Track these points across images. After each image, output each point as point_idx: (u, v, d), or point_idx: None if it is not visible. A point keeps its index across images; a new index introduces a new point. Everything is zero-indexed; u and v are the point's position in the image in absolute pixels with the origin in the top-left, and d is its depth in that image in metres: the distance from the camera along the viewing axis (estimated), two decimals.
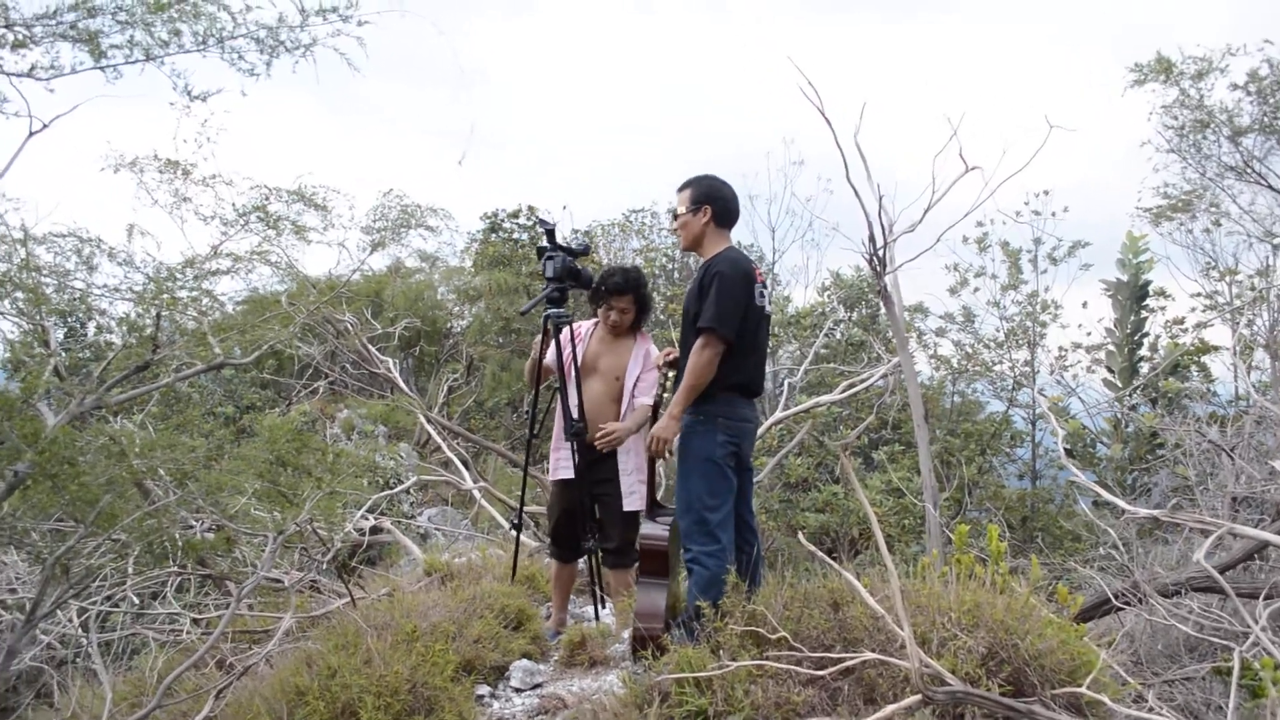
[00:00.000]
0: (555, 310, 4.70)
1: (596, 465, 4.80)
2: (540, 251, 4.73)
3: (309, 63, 4.34)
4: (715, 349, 3.85)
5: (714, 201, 4.09)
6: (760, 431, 7.62)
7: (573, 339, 4.79)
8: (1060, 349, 13.10)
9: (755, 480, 7.78)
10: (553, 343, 4.79)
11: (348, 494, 7.00)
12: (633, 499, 4.80)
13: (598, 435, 4.72)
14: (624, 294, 4.85)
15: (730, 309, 3.84)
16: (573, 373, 4.72)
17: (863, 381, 9.05)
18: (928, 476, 6.30)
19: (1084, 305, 14.95)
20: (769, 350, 4.14)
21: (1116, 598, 5.16)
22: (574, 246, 4.75)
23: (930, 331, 14.33)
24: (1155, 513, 3.70)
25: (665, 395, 4.25)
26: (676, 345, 4.34)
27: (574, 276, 4.76)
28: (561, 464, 4.88)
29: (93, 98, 3.97)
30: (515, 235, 16.98)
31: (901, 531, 9.97)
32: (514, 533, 5.23)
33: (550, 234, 4.75)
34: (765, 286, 4.09)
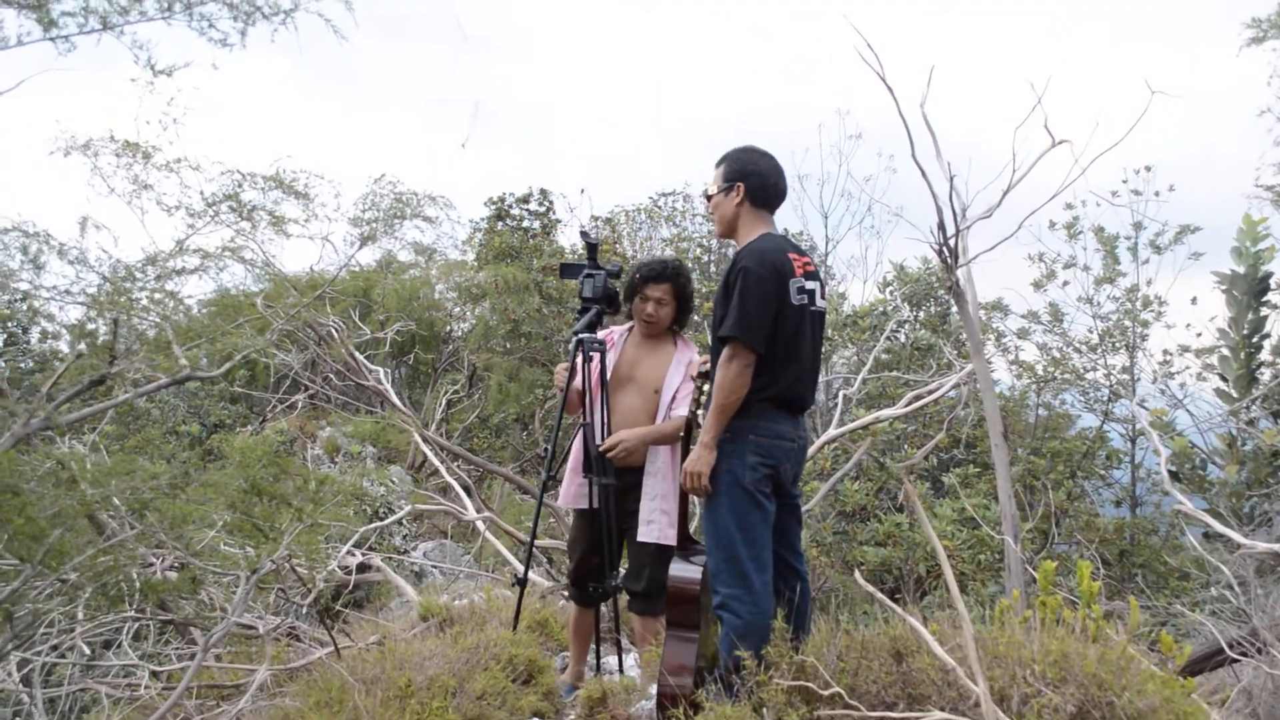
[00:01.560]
0: (590, 335, 4.74)
1: (625, 495, 4.80)
2: (566, 269, 4.84)
3: (289, 30, 4.40)
4: (743, 360, 3.81)
5: (748, 178, 4.06)
6: (810, 452, 7.61)
7: (602, 356, 4.80)
8: (1165, 353, 12.96)
9: (805, 510, 7.75)
10: (578, 368, 4.81)
11: (331, 526, 7.06)
12: (650, 529, 4.77)
13: (610, 448, 4.71)
14: (660, 281, 4.86)
15: (756, 312, 3.79)
16: (599, 395, 4.76)
17: (931, 392, 9.00)
18: (1007, 504, 6.25)
19: (1193, 301, 14.73)
20: (821, 356, 4.12)
21: (1231, 647, 5.11)
22: (609, 268, 4.83)
23: (1011, 333, 14.24)
24: (1277, 546, 3.66)
25: (699, 412, 4.21)
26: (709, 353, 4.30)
27: (610, 300, 4.81)
28: (582, 490, 4.88)
29: (41, 72, 4.04)
30: (525, 223, 17.06)
31: (976, 569, 9.91)
32: (523, 573, 5.23)
33: (592, 249, 4.83)
34: (816, 279, 4.02)
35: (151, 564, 5.76)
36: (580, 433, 4.84)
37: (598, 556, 4.86)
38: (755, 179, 4.07)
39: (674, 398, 4.84)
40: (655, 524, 4.78)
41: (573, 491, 4.94)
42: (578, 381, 4.83)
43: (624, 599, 5.11)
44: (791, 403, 3.99)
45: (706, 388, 4.11)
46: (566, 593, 5.24)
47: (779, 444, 3.93)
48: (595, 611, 5.12)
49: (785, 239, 4.09)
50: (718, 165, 4.16)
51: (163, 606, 5.88)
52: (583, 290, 4.78)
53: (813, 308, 3.99)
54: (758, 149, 4.14)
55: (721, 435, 3.88)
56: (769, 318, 3.82)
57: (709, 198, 4.17)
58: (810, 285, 3.98)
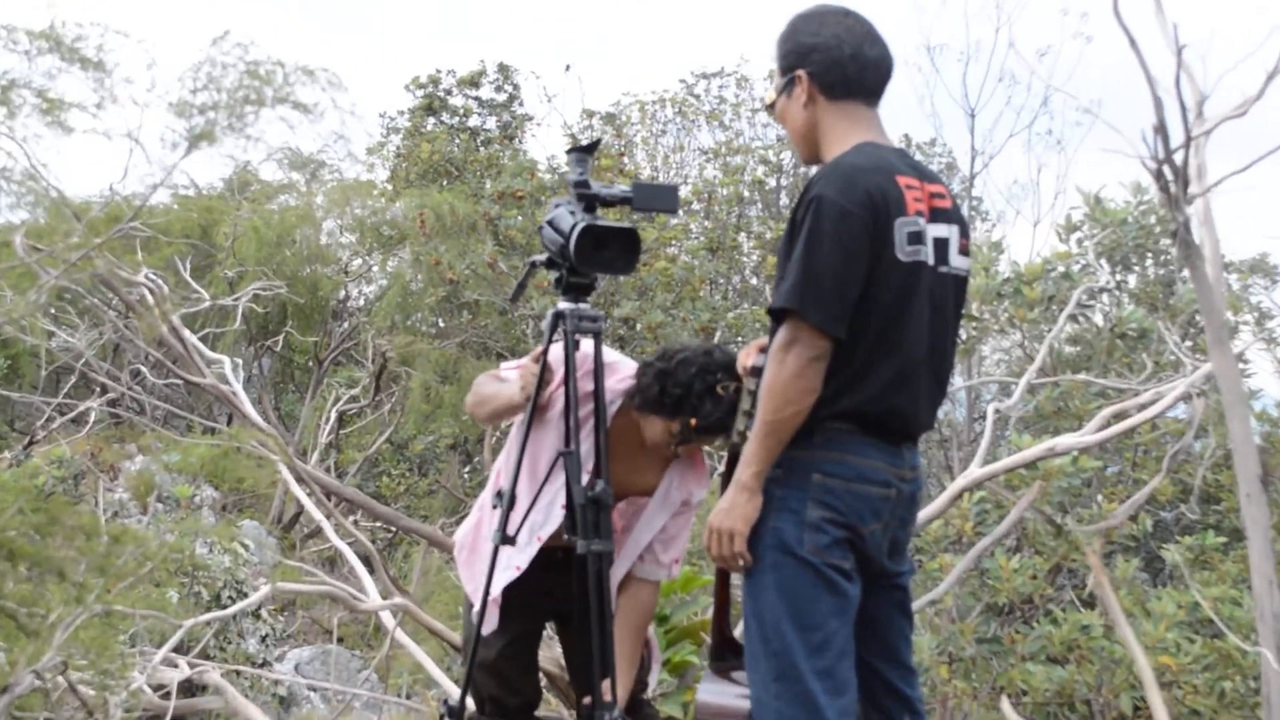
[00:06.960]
0: (572, 306, 4.59)
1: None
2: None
3: None
4: (808, 350, 3.68)
5: (808, 57, 3.97)
6: (936, 506, 7.60)
7: (597, 341, 4.72)
8: None
9: (929, 601, 7.73)
10: (556, 367, 4.74)
11: (138, 618, 7.07)
12: (641, 565, 4.87)
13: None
14: (718, 434, 4.80)
15: (831, 270, 3.67)
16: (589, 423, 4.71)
17: (1142, 408, 8.99)
18: (1267, 597, 6.24)
19: None
20: (957, 346, 3.99)
21: None
22: (617, 191, 4.68)
23: None
24: None
25: (745, 434, 4.16)
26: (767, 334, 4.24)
27: (626, 244, 4.64)
28: (516, 560, 4.83)
29: None
30: (472, 120, 17.12)
31: (1219, 702, 9.91)
32: (458, 699, 5.23)
33: (584, 152, 4.66)
34: (950, 220, 3.96)
35: None
36: (559, 464, 4.77)
37: (532, 654, 4.90)
38: (820, 56, 3.97)
39: (649, 544, 4.89)
40: (653, 556, 4.88)
41: (502, 560, 4.89)
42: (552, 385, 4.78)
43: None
44: (886, 422, 3.88)
45: (755, 388, 4.04)
46: None
47: (860, 489, 3.84)
48: None
49: (896, 151, 4.01)
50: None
51: None
52: (557, 223, 4.63)
53: (942, 268, 3.89)
54: (824, 7, 4.05)
55: (772, 474, 3.81)
56: (854, 281, 3.71)
57: (770, 107, 4.18)
58: (939, 231, 3.88)
